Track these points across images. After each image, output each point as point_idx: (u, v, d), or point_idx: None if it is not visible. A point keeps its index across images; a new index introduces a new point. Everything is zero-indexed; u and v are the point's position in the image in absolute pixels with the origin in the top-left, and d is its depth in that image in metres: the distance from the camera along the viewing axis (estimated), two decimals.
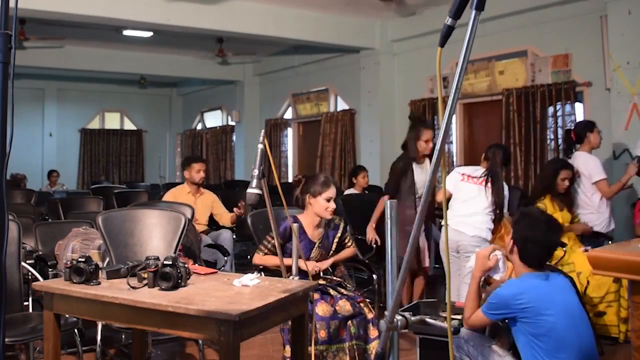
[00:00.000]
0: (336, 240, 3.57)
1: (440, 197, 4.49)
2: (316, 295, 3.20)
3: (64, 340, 2.74)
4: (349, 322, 3.16)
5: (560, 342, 2.26)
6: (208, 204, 5.26)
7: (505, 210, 4.18)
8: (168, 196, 5.22)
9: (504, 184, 4.15)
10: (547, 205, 4.46)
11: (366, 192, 6.65)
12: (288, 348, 3.03)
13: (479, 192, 4.02)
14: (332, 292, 3.24)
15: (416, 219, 1.46)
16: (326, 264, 3.49)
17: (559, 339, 2.26)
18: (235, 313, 1.97)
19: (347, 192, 6.63)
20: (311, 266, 3.33)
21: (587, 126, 4.92)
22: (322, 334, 3.07)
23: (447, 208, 4.07)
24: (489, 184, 4.02)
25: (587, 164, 4.72)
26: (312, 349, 2.97)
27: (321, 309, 3.12)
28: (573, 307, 2.39)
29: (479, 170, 4.09)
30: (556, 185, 4.44)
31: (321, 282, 3.41)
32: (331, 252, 3.53)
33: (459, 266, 3.95)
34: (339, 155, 9.46)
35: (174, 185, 10.88)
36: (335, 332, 3.09)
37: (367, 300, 3.38)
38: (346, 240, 3.67)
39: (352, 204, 5.88)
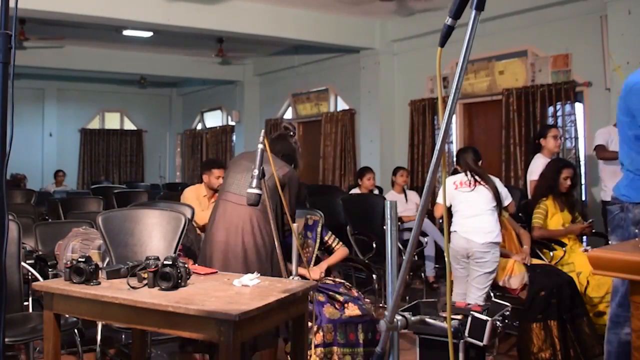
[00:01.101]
0: (318, 237, 3.58)
1: (438, 213, 4.50)
2: (321, 298, 3.20)
3: (64, 340, 2.74)
4: (359, 326, 3.16)
5: None
6: None
7: (510, 199, 4.15)
8: (189, 195, 5.11)
9: (495, 178, 4.13)
10: (548, 205, 4.46)
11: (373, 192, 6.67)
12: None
13: (476, 194, 4.01)
14: (339, 297, 3.24)
15: (416, 219, 1.46)
16: (323, 267, 3.50)
17: None
18: (235, 313, 1.97)
19: (352, 192, 6.66)
20: (316, 274, 3.36)
21: (541, 132, 5.06)
22: (329, 336, 3.07)
23: (449, 216, 4.07)
24: (481, 183, 4.01)
25: (531, 165, 5.02)
26: (311, 352, 2.97)
27: (328, 312, 3.13)
28: None
29: (464, 176, 4.10)
30: (559, 185, 4.45)
31: (327, 281, 3.41)
32: (315, 247, 3.55)
33: (469, 271, 3.95)
34: (339, 155, 9.46)
35: (174, 185, 10.93)
36: (343, 335, 3.10)
37: (367, 300, 3.38)
38: (333, 243, 3.67)
39: (354, 204, 5.89)
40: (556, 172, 4.48)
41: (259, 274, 2.51)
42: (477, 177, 4.02)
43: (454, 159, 7.82)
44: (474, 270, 3.91)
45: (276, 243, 2.67)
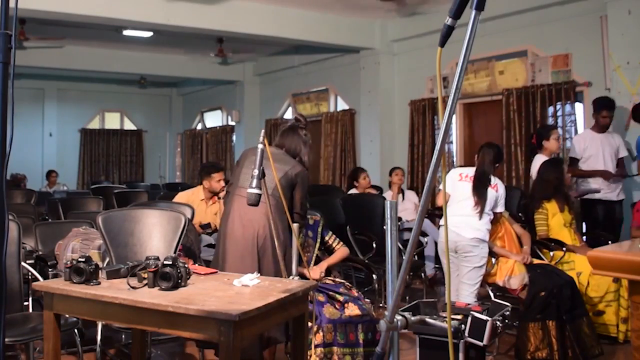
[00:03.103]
0: (318, 237, 3.58)
1: (440, 200, 4.48)
2: (321, 298, 3.21)
3: (64, 340, 2.74)
4: (359, 326, 3.16)
5: None
6: (215, 211, 5.22)
7: (502, 209, 4.15)
8: (180, 199, 5.12)
9: (499, 182, 4.10)
10: (549, 207, 4.46)
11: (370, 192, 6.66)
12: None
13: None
14: (339, 297, 3.24)
15: (416, 219, 1.46)
16: (323, 267, 3.50)
17: None
18: (235, 313, 1.97)
19: (349, 192, 6.66)
20: (316, 274, 3.36)
21: (543, 134, 5.08)
22: (329, 336, 3.08)
23: (446, 211, 4.03)
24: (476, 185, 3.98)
25: (535, 166, 4.98)
26: (311, 352, 2.97)
27: (328, 312, 3.13)
28: None
29: (472, 170, 4.08)
30: (564, 181, 4.48)
31: (327, 281, 3.41)
32: (316, 247, 3.56)
33: (458, 266, 3.94)
34: (339, 155, 9.46)
35: (174, 185, 10.93)
36: (342, 335, 3.10)
37: (367, 300, 3.38)
38: (333, 243, 3.67)
39: (354, 204, 5.89)
40: (560, 170, 4.50)
41: (259, 273, 2.52)
42: (476, 179, 4.00)
43: (454, 158, 7.85)
44: (462, 266, 3.90)
45: (277, 243, 2.67)
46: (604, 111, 5.22)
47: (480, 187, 3.96)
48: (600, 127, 5.27)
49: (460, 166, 4.31)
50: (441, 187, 4.28)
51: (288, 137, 3.37)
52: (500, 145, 6.89)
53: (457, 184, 4.06)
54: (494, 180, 4.05)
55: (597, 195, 5.20)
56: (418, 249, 5.70)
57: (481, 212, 3.92)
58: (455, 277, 3.96)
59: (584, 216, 5.44)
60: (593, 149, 5.23)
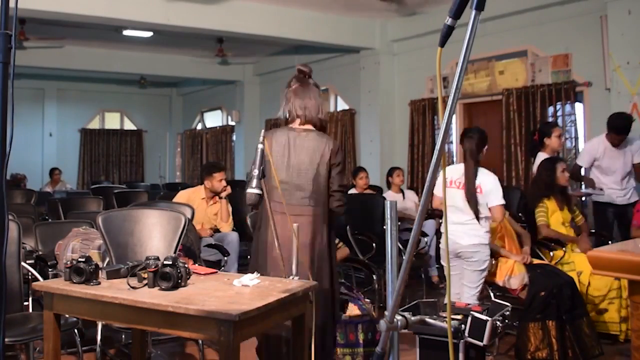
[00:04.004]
0: None
1: (436, 203, 4.40)
2: None
3: (64, 340, 2.74)
4: (359, 326, 3.16)
5: None
6: (216, 212, 5.21)
7: (498, 201, 3.92)
8: (181, 197, 5.14)
9: (485, 177, 3.79)
10: (548, 205, 4.46)
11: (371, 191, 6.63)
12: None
13: (464, 199, 3.86)
14: None
15: (417, 218, 1.46)
16: None
17: None
18: (235, 313, 1.97)
19: (349, 192, 6.64)
20: None
21: (544, 131, 5.03)
22: None
23: (446, 212, 3.94)
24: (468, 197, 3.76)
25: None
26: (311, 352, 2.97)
27: None
28: None
29: (459, 171, 3.84)
30: (557, 180, 4.44)
31: None
32: None
33: (461, 269, 3.91)
34: None
35: (174, 185, 10.92)
36: (342, 336, 3.10)
37: (367, 300, 3.38)
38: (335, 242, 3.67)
39: (354, 204, 5.88)
40: (552, 169, 4.49)
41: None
42: (464, 178, 3.77)
43: (454, 158, 7.85)
44: (465, 269, 3.87)
45: (276, 241, 2.66)
46: (612, 134, 5.00)
47: (472, 197, 3.75)
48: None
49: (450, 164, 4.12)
50: (435, 190, 4.07)
51: (305, 96, 2.93)
52: (500, 145, 6.96)
53: (448, 189, 3.87)
54: (478, 179, 3.78)
55: (608, 198, 5.13)
56: (418, 249, 5.69)
57: (477, 219, 3.78)
58: (458, 280, 3.95)
59: (595, 219, 5.39)
60: (606, 161, 5.10)
